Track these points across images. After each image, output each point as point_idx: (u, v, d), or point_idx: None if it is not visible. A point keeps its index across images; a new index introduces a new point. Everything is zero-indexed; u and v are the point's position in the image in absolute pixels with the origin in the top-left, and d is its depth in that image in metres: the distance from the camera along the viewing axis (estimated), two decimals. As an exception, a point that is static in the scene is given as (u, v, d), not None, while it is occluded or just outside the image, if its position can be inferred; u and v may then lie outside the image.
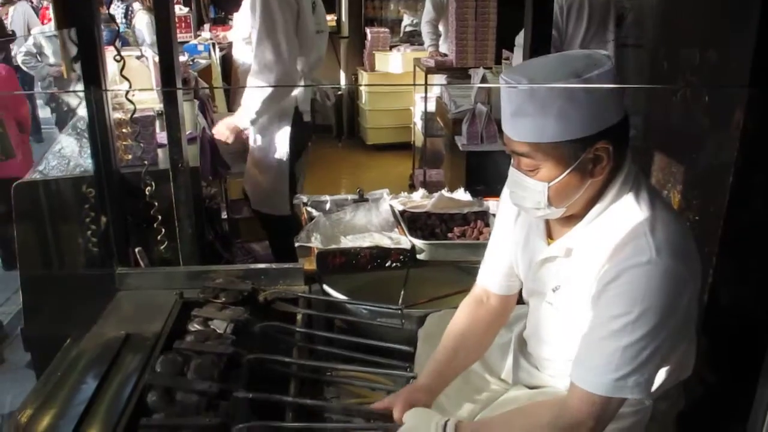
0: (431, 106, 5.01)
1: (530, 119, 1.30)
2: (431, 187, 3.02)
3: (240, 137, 3.50)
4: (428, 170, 5.24)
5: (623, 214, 1.35)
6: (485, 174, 3.61)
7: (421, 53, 6.07)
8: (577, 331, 1.38)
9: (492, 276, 1.70)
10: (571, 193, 1.36)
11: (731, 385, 1.82)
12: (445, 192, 2.76)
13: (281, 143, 3.37)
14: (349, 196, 2.75)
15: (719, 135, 2.00)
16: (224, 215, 4.10)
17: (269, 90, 3.15)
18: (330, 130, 7.81)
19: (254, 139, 3.41)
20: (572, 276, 1.43)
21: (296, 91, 3.35)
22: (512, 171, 1.42)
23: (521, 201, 1.43)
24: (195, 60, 5.61)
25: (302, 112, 3.46)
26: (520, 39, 3.10)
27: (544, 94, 1.28)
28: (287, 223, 3.28)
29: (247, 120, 3.26)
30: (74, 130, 3.30)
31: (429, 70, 5.11)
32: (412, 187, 5.02)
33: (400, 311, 1.93)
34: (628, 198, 1.36)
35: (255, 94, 3.17)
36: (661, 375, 1.43)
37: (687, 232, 1.37)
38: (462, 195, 2.76)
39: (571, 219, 1.43)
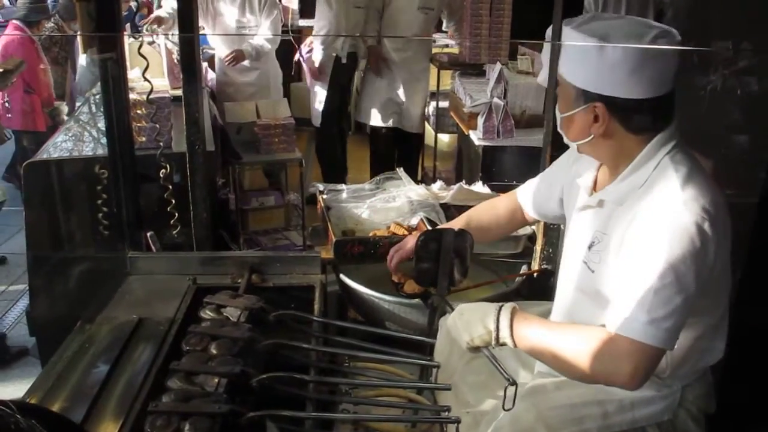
0: (443, 102, 4.96)
1: (566, 57, 1.49)
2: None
3: None
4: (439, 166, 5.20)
5: (656, 174, 1.41)
6: (501, 169, 3.55)
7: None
8: (609, 292, 1.42)
9: (529, 195, 1.88)
10: (577, 134, 1.48)
11: (761, 392, 1.76)
12: (463, 184, 2.70)
13: None
14: (366, 185, 2.69)
15: (752, 130, 1.94)
16: (232, 206, 4.05)
17: None
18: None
19: None
20: (606, 230, 1.48)
21: None
22: None
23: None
24: (204, 50, 5.58)
25: None
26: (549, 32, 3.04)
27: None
28: None
29: None
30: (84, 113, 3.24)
31: (442, 66, 5.04)
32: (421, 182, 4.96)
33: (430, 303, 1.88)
34: (664, 161, 1.41)
35: None
36: (691, 348, 1.45)
37: (721, 203, 1.37)
38: (480, 188, 2.72)
39: (611, 176, 1.51)
